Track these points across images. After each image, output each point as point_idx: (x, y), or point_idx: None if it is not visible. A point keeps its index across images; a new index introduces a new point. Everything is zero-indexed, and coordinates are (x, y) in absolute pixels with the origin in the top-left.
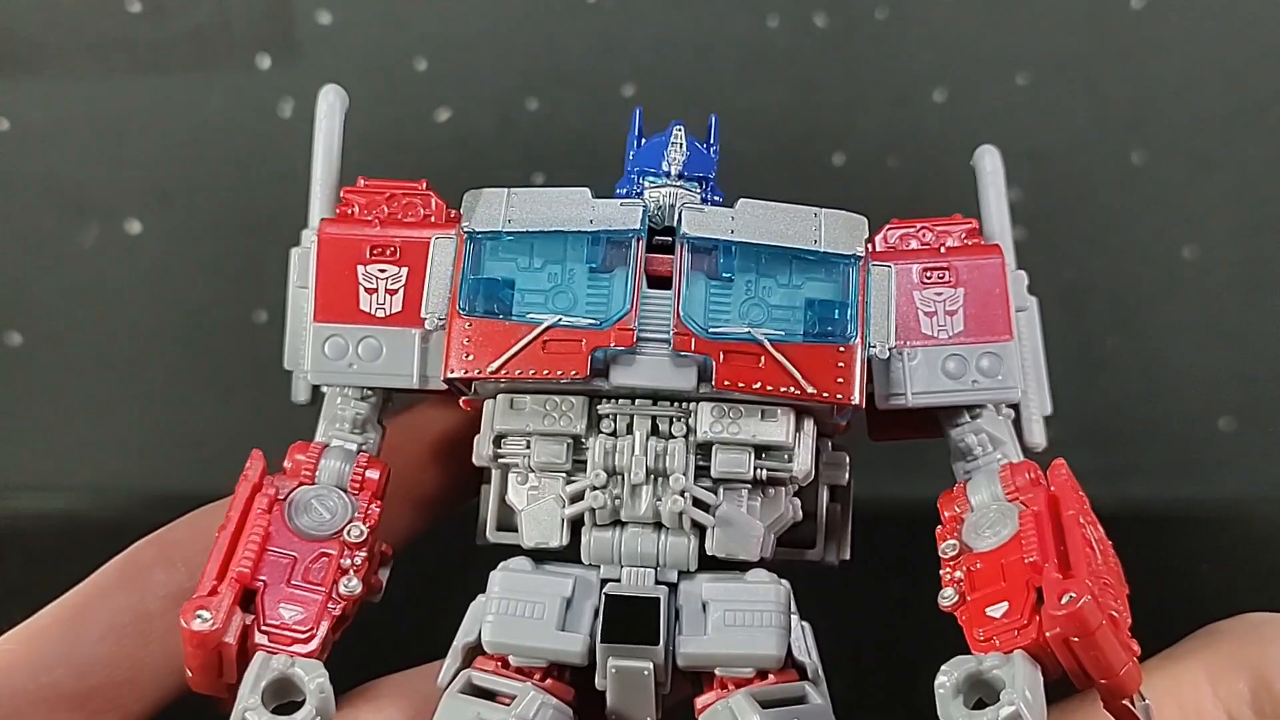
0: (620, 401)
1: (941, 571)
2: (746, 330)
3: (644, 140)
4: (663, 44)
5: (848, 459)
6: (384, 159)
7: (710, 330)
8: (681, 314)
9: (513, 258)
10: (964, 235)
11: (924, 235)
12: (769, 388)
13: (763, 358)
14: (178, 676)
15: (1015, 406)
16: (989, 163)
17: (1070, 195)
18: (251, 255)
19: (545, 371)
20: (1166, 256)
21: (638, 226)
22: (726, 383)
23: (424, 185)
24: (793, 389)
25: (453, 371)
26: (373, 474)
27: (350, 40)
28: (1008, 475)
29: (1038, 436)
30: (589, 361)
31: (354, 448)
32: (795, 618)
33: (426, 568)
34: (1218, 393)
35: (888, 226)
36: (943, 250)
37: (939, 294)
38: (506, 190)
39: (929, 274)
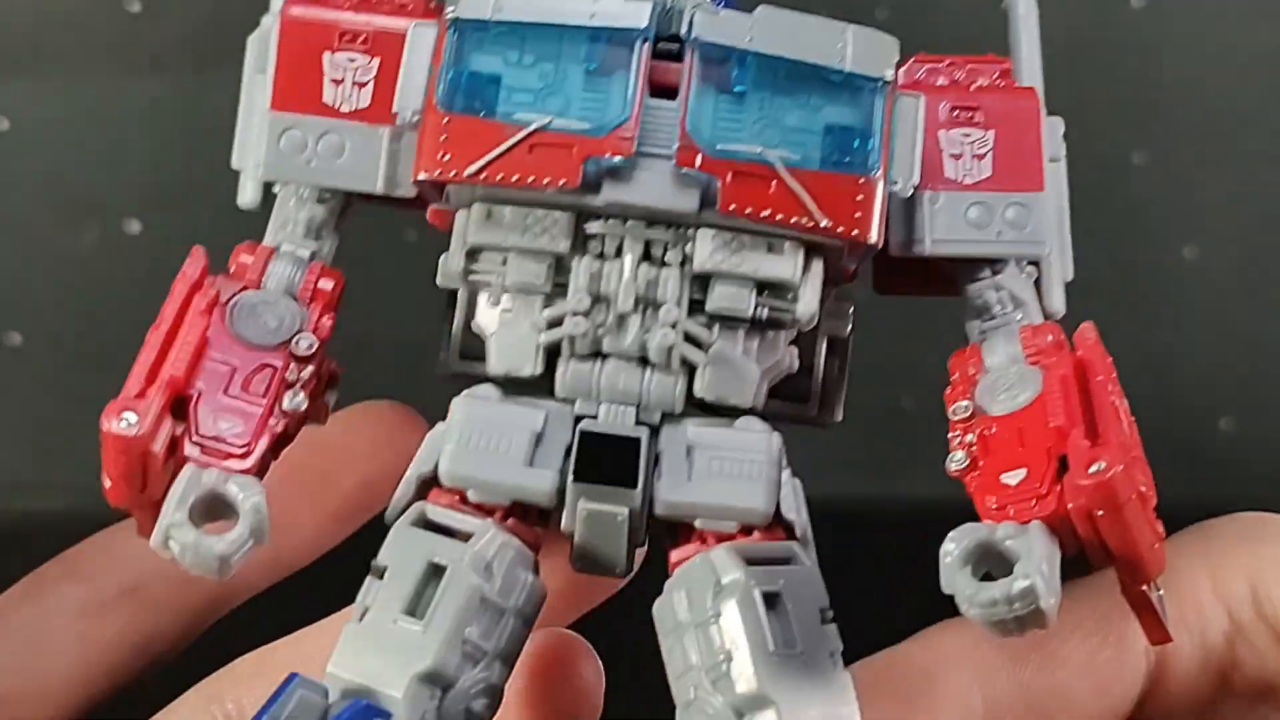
0: (611, 221)
1: (950, 435)
2: (759, 150)
3: None
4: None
5: (851, 309)
6: None
7: (718, 147)
8: (688, 126)
9: (500, 52)
10: (997, 76)
11: (953, 73)
12: (779, 216)
13: (774, 182)
14: (84, 689)
15: (1038, 265)
16: (1023, 4)
17: (1070, 195)
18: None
19: (531, 178)
20: (1167, 256)
21: (644, 25)
22: (733, 206)
23: None
24: (805, 220)
25: (425, 172)
26: (326, 284)
27: None
28: (1029, 336)
29: (1058, 302)
30: (581, 170)
31: (307, 254)
32: (787, 473)
33: None
34: (1218, 393)
35: (913, 60)
36: (973, 89)
37: (967, 135)
38: None
39: (957, 112)
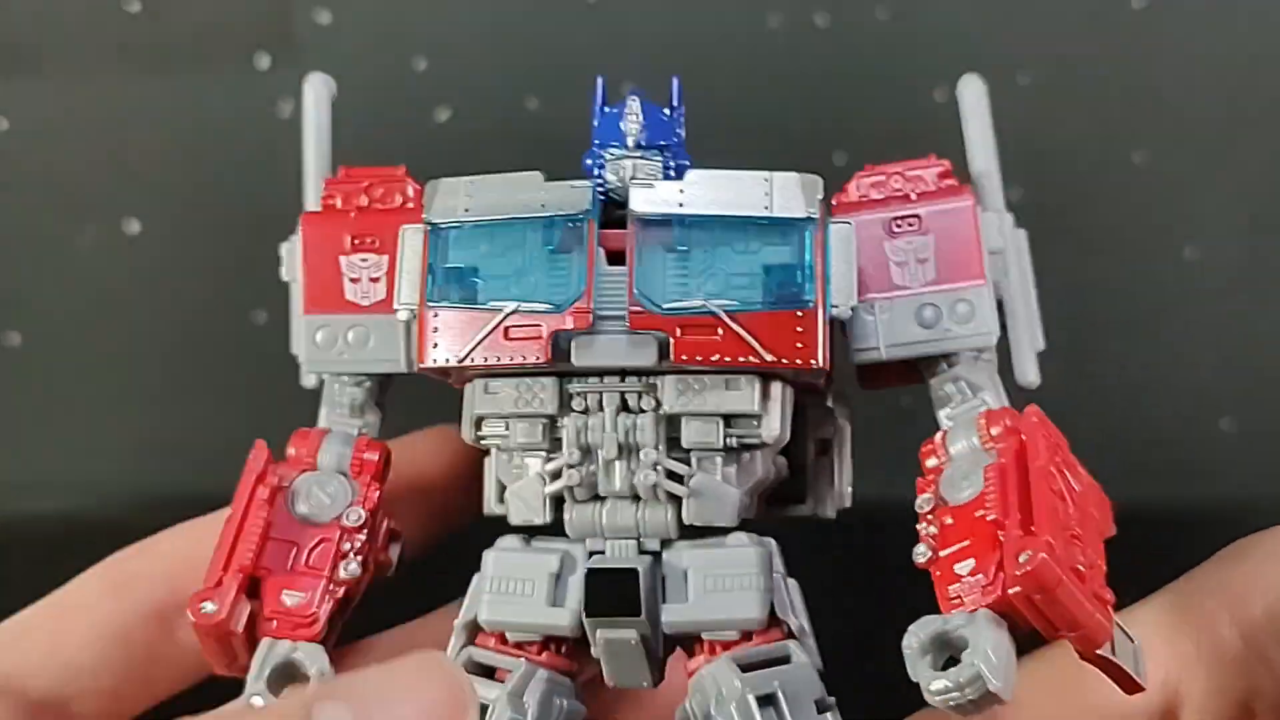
0: (589, 380)
1: (918, 526)
2: (701, 303)
3: (605, 109)
4: (663, 44)
5: (839, 413)
6: (384, 159)
7: (665, 306)
8: (635, 292)
9: (475, 244)
10: (936, 178)
11: (894, 182)
12: (728, 359)
13: (720, 329)
14: (156, 687)
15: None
16: (971, 93)
17: (1070, 195)
18: (251, 255)
19: (510, 358)
20: (1167, 257)
21: (587, 208)
22: (684, 357)
23: (402, 172)
24: (752, 358)
25: (423, 363)
26: (371, 455)
27: (350, 40)
28: (983, 424)
29: (1031, 375)
30: (550, 346)
31: (353, 431)
32: (780, 576)
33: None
34: (1218, 393)
35: (859, 174)
36: (913, 197)
37: (909, 243)
38: (464, 180)
39: (898, 224)
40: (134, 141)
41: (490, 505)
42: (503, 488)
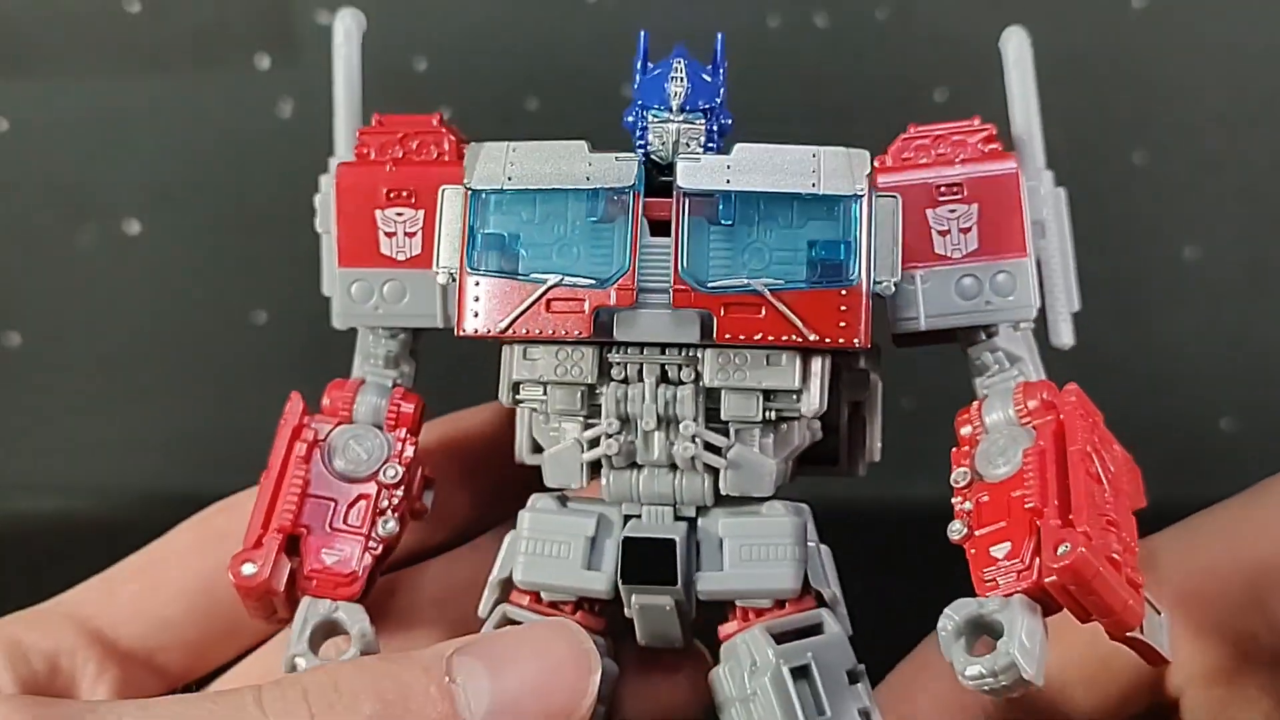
0: (629, 350)
1: (953, 500)
2: (745, 282)
3: (649, 66)
4: (663, 44)
5: (872, 376)
6: None
7: (709, 284)
8: (680, 270)
9: (516, 212)
10: (981, 143)
11: (939, 147)
12: (770, 337)
13: (763, 308)
14: (240, 640)
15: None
16: (1013, 47)
17: (1071, 195)
18: (251, 255)
19: (551, 331)
20: (1168, 257)
21: (632, 183)
22: (728, 336)
23: (437, 120)
24: (794, 336)
25: (464, 331)
26: (407, 407)
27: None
28: (1020, 396)
29: (1065, 337)
30: (592, 321)
31: (389, 383)
32: (814, 545)
33: None
34: (1218, 393)
35: (902, 137)
36: (957, 163)
37: (952, 211)
38: (507, 145)
39: (941, 191)
40: (134, 141)
41: (521, 455)
42: (535, 443)
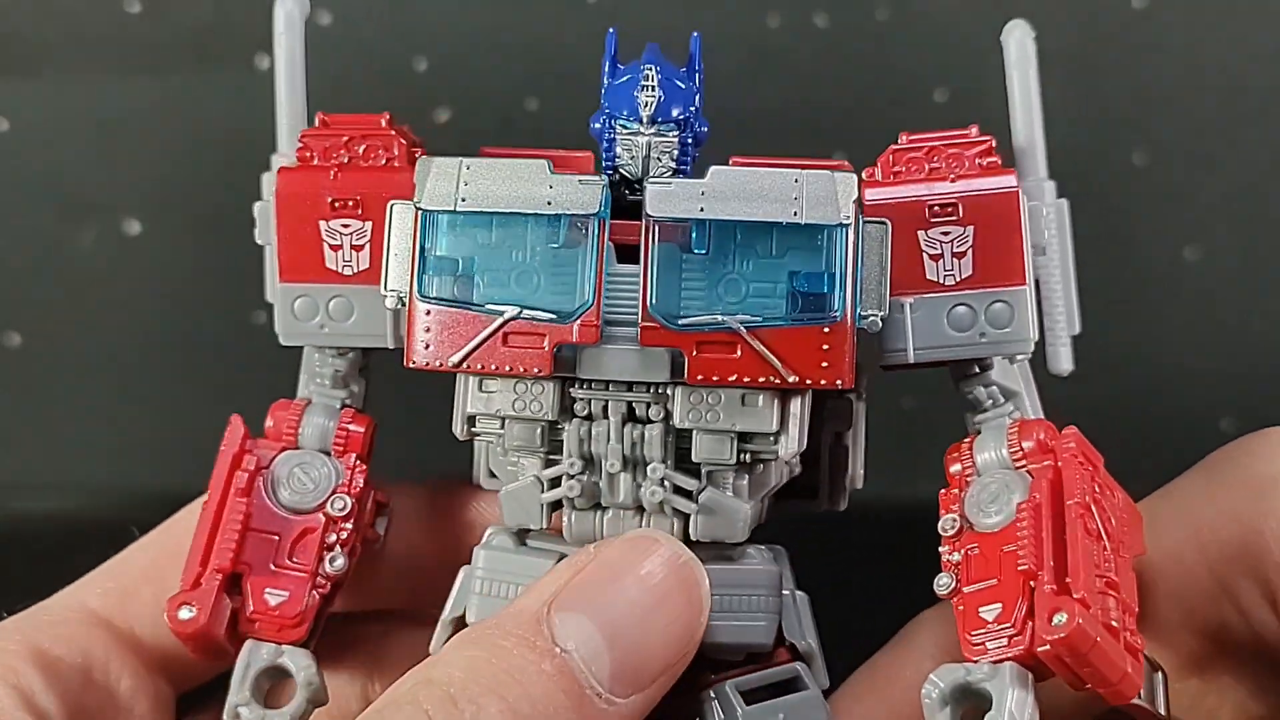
0: (594, 385)
1: (940, 548)
2: (720, 319)
3: (619, 68)
4: (663, 44)
5: (856, 404)
6: None
7: (681, 321)
8: (649, 305)
9: (470, 234)
10: (979, 156)
11: (932, 160)
12: (746, 379)
13: (739, 346)
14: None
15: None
16: (1014, 43)
17: (1070, 195)
18: (250, 256)
19: (508, 367)
20: (1167, 257)
21: (597, 210)
22: (700, 377)
23: (385, 121)
24: (773, 378)
25: (414, 363)
26: (357, 429)
27: (350, 40)
28: (1016, 436)
29: (1064, 362)
30: (553, 358)
31: (337, 404)
32: (789, 591)
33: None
34: (1218, 393)
35: (893, 148)
36: (953, 179)
37: (946, 233)
38: (459, 161)
39: (935, 211)
40: (134, 141)
41: (478, 479)
42: (491, 471)
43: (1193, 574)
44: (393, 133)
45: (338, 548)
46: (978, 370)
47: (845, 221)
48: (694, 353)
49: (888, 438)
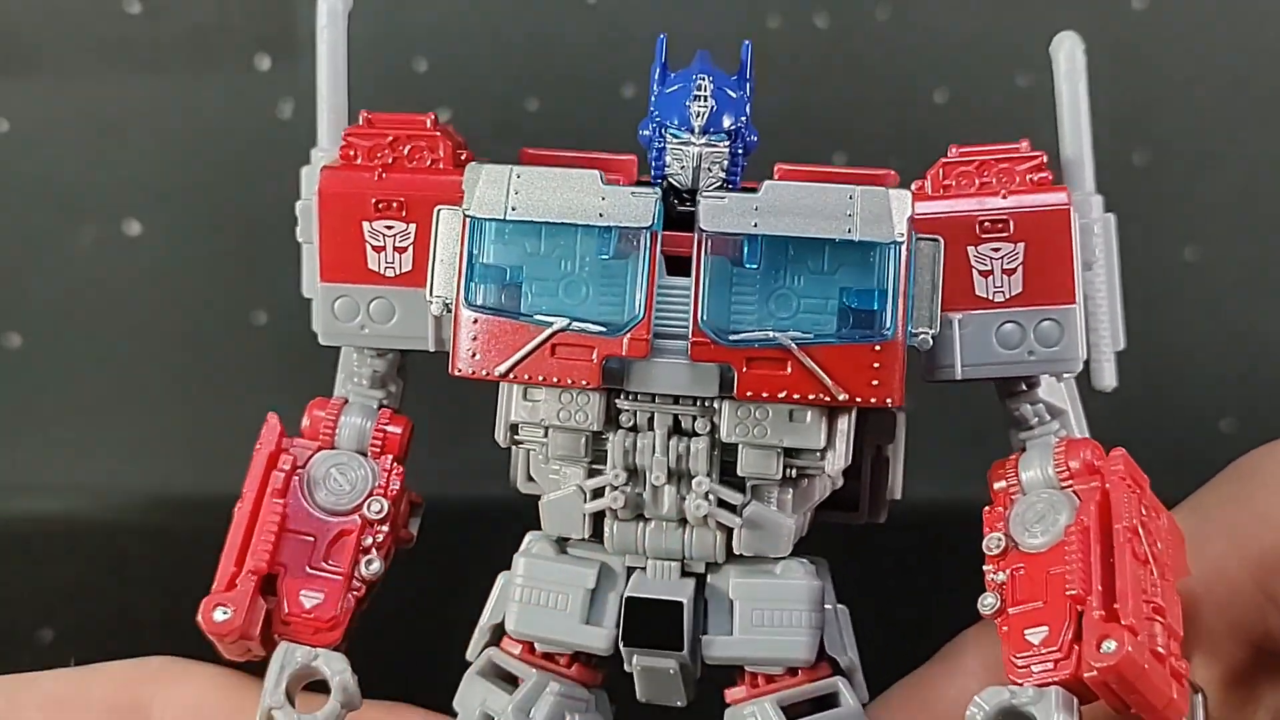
0: (640, 398)
1: (985, 567)
2: (772, 336)
3: (669, 75)
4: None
5: (899, 416)
6: None
7: (732, 337)
8: (700, 321)
9: (519, 243)
10: (1030, 171)
11: (983, 174)
12: (796, 396)
13: (790, 363)
14: None
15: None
16: (1065, 56)
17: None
18: (251, 256)
19: (555, 379)
20: (1168, 257)
21: (650, 223)
22: (749, 393)
23: (430, 122)
24: (823, 395)
25: (459, 371)
26: (394, 430)
27: (350, 40)
28: (1062, 455)
29: (1108, 378)
30: (601, 370)
31: (374, 404)
32: (830, 607)
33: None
34: (1218, 393)
35: (943, 161)
36: (1004, 195)
37: (996, 250)
38: (510, 170)
39: (985, 227)
40: (134, 142)
41: (519, 483)
42: (530, 475)
43: (1236, 584)
44: (438, 134)
45: (374, 551)
46: (1025, 388)
47: (899, 239)
48: (744, 368)
49: (924, 438)
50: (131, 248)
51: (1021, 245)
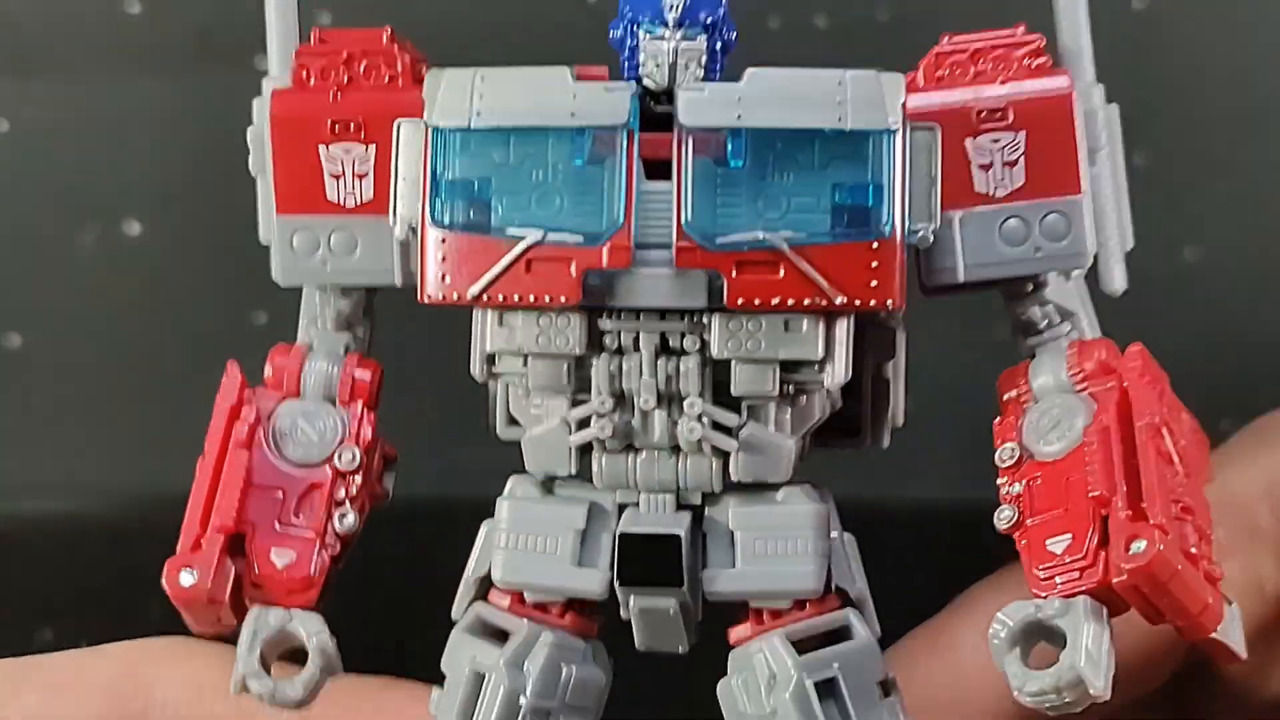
0: (624, 316)
1: (998, 481)
2: (761, 237)
3: None
4: None
5: (898, 331)
6: None
7: (719, 240)
8: (684, 224)
9: (486, 153)
10: (1028, 56)
11: (978, 62)
12: (790, 301)
13: (782, 266)
14: None
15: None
16: None
17: None
18: (251, 257)
19: (532, 297)
20: (1168, 258)
21: (625, 120)
22: (741, 301)
23: (387, 36)
24: (819, 299)
25: (429, 297)
26: (363, 375)
27: None
28: (1076, 356)
29: (1118, 281)
30: (581, 285)
31: (340, 348)
32: (836, 533)
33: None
34: (1218, 393)
35: (936, 50)
36: (1001, 82)
37: (996, 140)
38: (474, 73)
39: (983, 116)
40: (134, 142)
41: (500, 429)
42: (511, 415)
43: (1266, 532)
44: (395, 48)
45: (347, 504)
46: (1031, 289)
47: (894, 127)
48: (733, 274)
49: (926, 446)
50: (131, 248)
51: (1022, 134)
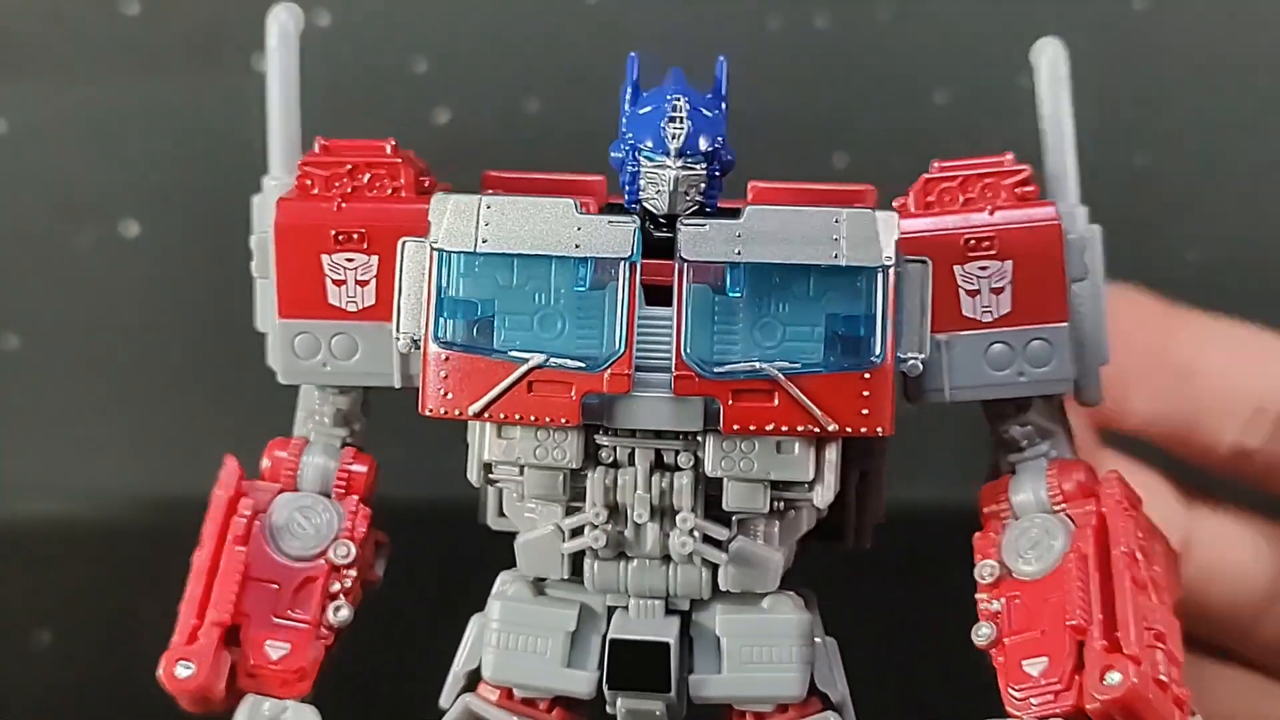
0: (620, 433)
1: (978, 596)
2: (758, 367)
3: (641, 95)
4: (663, 45)
5: (882, 442)
6: None
7: (716, 369)
8: (684, 353)
9: (490, 276)
10: (1016, 185)
11: (967, 190)
12: (784, 428)
13: (777, 395)
14: None
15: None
16: (1048, 63)
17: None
18: (250, 257)
19: (532, 417)
20: (1169, 259)
21: (629, 254)
22: (736, 426)
23: (390, 148)
24: (812, 427)
25: (430, 411)
26: (359, 468)
27: (349, 41)
28: (1054, 477)
29: (1095, 394)
30: (580, 407)
31: (338, 442)
32: (819, 640)
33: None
34: None
35: (925, 177)
36: (990, 211)
37: (984, 268)
38: (479, 200)
39: (971, 245)
40: (133, 143)
41: (490, 519)
42: (502, 511)
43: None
44: (399, 160)
45: (341, 597)
46: (1014, 411)
47: (888, 263)
48: (729, 401)
49: (926, 447)
50: (130, 249)
51: (1009, 263)
